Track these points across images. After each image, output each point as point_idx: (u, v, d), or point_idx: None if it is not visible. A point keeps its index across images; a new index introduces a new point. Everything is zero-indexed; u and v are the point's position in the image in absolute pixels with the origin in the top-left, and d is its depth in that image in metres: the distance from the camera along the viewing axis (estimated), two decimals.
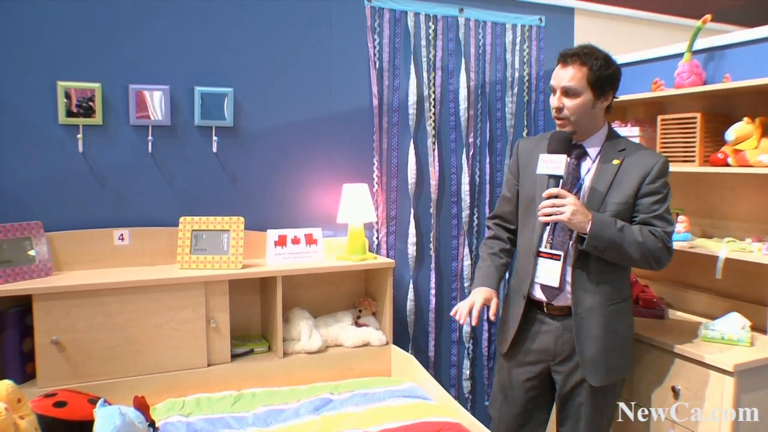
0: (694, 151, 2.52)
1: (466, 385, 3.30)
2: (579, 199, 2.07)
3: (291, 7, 2.80)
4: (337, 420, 2.21)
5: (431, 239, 3.15)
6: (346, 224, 2.86)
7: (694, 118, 2.52)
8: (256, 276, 2.58)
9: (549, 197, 2.00)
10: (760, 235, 2.46)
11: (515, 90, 3.25)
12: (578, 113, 2.07)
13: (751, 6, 4.08)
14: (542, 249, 2.14)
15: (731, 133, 2.37)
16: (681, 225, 2.63)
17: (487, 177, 3.24)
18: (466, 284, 3.22)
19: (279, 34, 2.79)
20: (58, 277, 2.36)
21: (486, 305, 2.18)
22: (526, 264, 2.20)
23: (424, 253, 3.15)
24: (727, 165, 2.41)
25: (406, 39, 3.03)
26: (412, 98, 3.03)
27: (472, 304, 2.14)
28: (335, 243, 2.90)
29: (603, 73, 2.06)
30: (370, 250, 3.00)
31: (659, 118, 2.66)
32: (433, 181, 3.12)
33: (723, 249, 2.40)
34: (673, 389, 2.35)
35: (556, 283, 2.10)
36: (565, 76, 2.06)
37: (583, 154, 2.15)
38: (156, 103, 2.57)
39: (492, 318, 2.30)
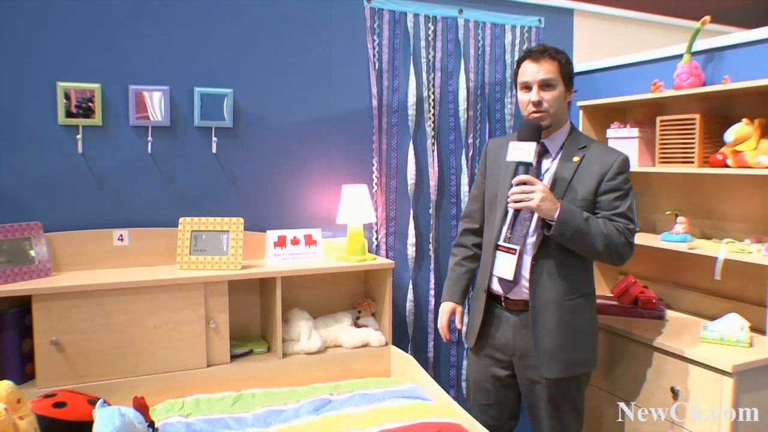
0: (693, 153, 2.52)
1: (465, 386, 3.30)
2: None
3: (290, 8, 2.80)
4: (337, 420, 2.21)
5: (430, 240, 3.15)
6: (345, 225, 2.87)
7: (693, 119, 2.52)
8: (255, 277, 2.58)
9: (519, 184, 2.03)
10: (759, 236, 2.46)
11: (514, 91, 3.25)
12: (555, 105, 2.14)
13: (750, 7, 4.09)
14: (500, 243, 2.19)
15: (730, 134, 2.37)
16: (680, 226, 2.63)
17: None
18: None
19: (278, 35, 2.79)
20: (58, 278, 2.36)
21: (453, 316, 2.40)
22: (487, 257, 2.27)
23: (423, 254, 3.16)
24: (726, 166, 2.41)
25: (405, 40, 3.03)
26: (412, 99, 3.03)
27: (442, 325, 2.39)
28: (335, 244, 2.90)
29: (569, 68, 2.18)
30: (370, 251, 3.00)
31: (658, 119, 2.67)
32: (433, 182, 3.12)
33: (722, 250, 2.40)
34: (672, 390, 2.36)
35: (510, 276, 2.14)
36: (542, 69, 2.13)
37: (545, 151, 2.20)
38: (156, 103, 2.57)
39: (458, 326, 2.41)
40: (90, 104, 2.47)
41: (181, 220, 2.58)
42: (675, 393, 2.35)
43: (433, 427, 2.12)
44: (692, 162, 2.53)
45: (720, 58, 2.65)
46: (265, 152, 2.81)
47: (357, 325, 2.84)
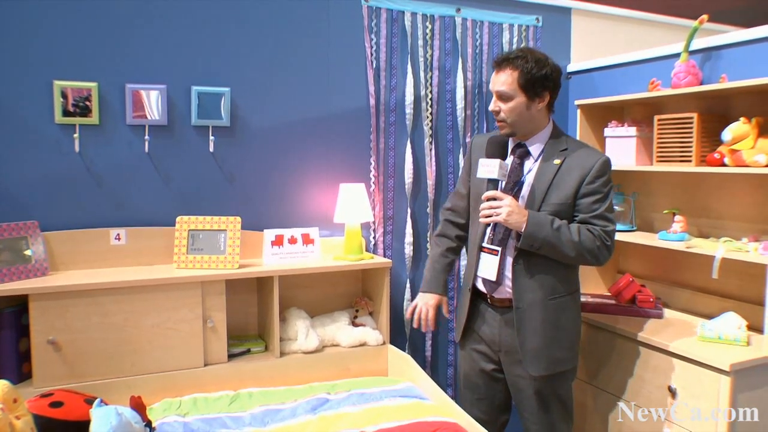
0: (690, 151, 2.52)
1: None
2: (520, 197, 2.17)
3: (288, 6, 2.79)
4: (334, 420, 2.21)
5: (428, 239, 3.15)
6: (343, 224, 2.86)
7: (691, 118, 2.52)
8: (252, 276, 2.58)
9: (488, 199, 2.12)
10: (756, 235, 2.47)
11: None
12: (513, 116, 2.16)
13: (748, 6, 4.09)
14: (484, 244, 2.24)
15: (728, 133, 2.37)
16: (678, 225, 2.63)
17: None
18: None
19: (276, 34, 2.79)
20: (55, 277, 2.35)
21: (439, 306, 2.40)
22: (472, 257, 2.32)
23: (421, 253, 3.15)
24: (724, 165, 2.41)
25: (403, 39, 3.03)
26: (409, 98, 3.03)
27: (426, 313, 2.35)
28: (332, 243, 2.90)
29: (535, 75, 2.12)
30: (367, 250, 3.00)
31: (656, 118, 2.67)
32: (430, 181, 3.12)
33: (719, 249, 2.40)
34: (670, 389, 2.36)
35: (493, 277, 2.20)
36: (498, 81, 2.15)
37: (526, 154, 2.23)
38: (153, 102, 2.56)
39: (446, 315, 2.45)
40: (87, 103, 2.46)
41: (178, 219, 2.57)
42: (672, 392, 2.35)
43: (431, 426, 2.12)
44: (690, 161, 2.53)
45: (717, 57, 2.66)
46: (263, 151, 2.81)
47: (354, 324, 2.84)
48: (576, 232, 2.10)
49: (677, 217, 2.65)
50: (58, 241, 2.45)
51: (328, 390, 2.47)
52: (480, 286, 2.30)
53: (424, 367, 3.07)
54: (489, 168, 2.12)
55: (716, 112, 2.61)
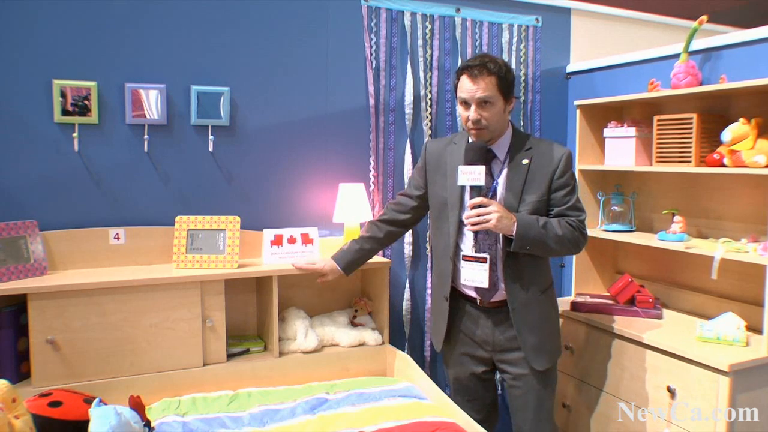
0: (690, 152, 2.52)
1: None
2: (497, 201, 2.19)
3: (287, 6, 2.79)
4: (333, 420, 2.20)
5: (427, 239, 3.15)
6: (342, 224, 2.86)
7: (691, 118, 2.52)
8: (252, 275, 2.58)
9: (474, 207, 2.11)
10: (755, 236, 2.47)
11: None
12: (494, 121, 2.17)
13: (747, 7, 4.10)
14: (467, 253, 2.22)
15: (727, 134, 2.37)
16: (677, 225, 2.63)
17: None
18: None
19: (275, 34, 2.78)
20: (53, 277, 2.35)
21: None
22: (444, 267, 2.33)
23: (420, 253, 3.15)
24: (723, 165, 2.41)
25: (402, 38, 3.03)
26: (409, 98, 3.03)
27: (315, 272, 2.47)
28: (331, 242, 2.90)
29: (508, 78, 2.16)
30: None
31: (655, 118, 2.67)
32: None
33: (719, 249, 2.40)
34: (669, 389, 2.36)
35: (485, 284, 2.19)
36: (479, 88, 2.13)
37: (493, 157, 2.25)
38: (152, 101, 2.56)
39: (319, 282, 2.50)
40: (86, 102, 2.46)
41: (177, 218, 2.57)
42: (671, 392, 2.35)
43: (430, 426, 2.12)
44: (689, 161, 2.53)
45: (717, 57, 2.66)
46: (262, 151, 2.81)
47: (353, 324, 2.83)
48: (558, 226, 2.16)
49: (676, 218, 2.65)
50: (57, 240, 2.45)
51: (327, 390, 2.47)
52: (468, 292, 2.31)
53: (423, 367, 3.07)
54: (473, 175, 2.12)
55: (716, 112, 2.61)
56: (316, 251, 2.74)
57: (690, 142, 2.52)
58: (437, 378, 3.22)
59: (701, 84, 2.65)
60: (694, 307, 2.78)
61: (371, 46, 2.96)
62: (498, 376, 2.57)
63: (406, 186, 2.53)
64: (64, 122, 2.45)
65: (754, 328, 2.43)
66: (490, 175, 2.23)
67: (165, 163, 2.64)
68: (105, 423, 1.79)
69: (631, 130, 2.82)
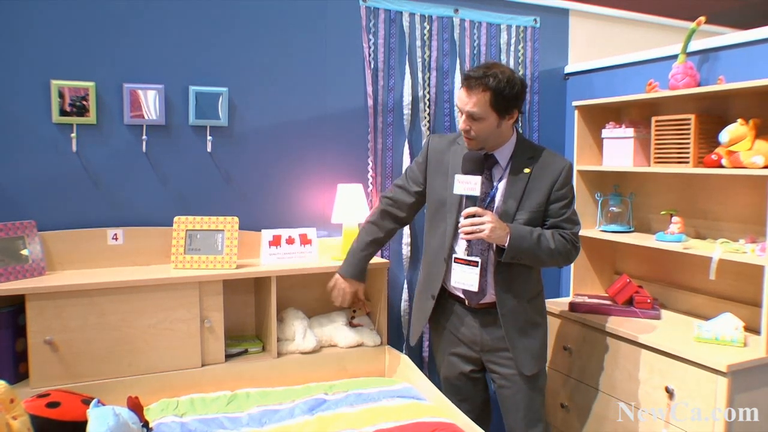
0: (688, 153, 2.53)
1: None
2: (494, 208, 2.21)
3: (286, 6, 2.79)
4: (332, 420, 2.20)
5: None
6: (340, 224, 2.86)
7: (689, 119, 2.52)
8: (250, 276, 2.58)
9: (468, 216, 2.11)
10: (753, 236, 2.47)
11: None
12: (483, 135, 2.17)
13: (745, 8, 4.10)
14: (459, 256, 2.24)
15: (725, 135, 2.37)
16: (675, 226, 2.64)
17: None
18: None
19: (274, 34, 2.78)
20: (52, 277, 2.35)
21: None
22: (436, 267, 2.34)
23: (418, 254, 3.15)
24: (721, 166, 2.42)
25: (401, 39, 3.03)
26: (407, 98, 3.03)
27: (344, 297, 2.47)
28: (330, 243, 2.90)
29: (506, 95, 2.11)
30: None
31: (653, 119, 2.67)
32: None
33: (717, 250, 2.41)
34: (667, 389, 2.36)
35: (475, 288, 2.21)
36: (470, 102, 2.12)
37: (495, 163, 2.26)
38: (150, 102, 2.56)
39: (361, 298, 2.58)
40: (84, 102, 2.46)
41: (175, 219, 2.57)
42: (669, 392, 2.35)
43: (429, 426, 2.12)
44: (687, 162, 2.54)
45: (715, 58, 2.66)
46: (260, 151, 2.80)
47: (352, 325, 2.83)
48: (551, 239, 2.18)
49: (675, 218, 2.65)
50: (55, 240, 2.45)
51: (325, 390, 2.47)
52: (457, 292, 2.32)
53: (421, 368, 3.07)
54: (470, 185, 2.14)
55: (714, 113, 2.62)
56: (314, 252, 2.74)
57: (688, 143, 2.53)
58: (435, 379, 3.21)
59: (699, 85, 2.66)
60: (692, 307, 2.78)
61: (369, 47, 2.96)
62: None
63: (402, 176, 2.48)
64: (62, 122, 2.45)
65: (752, 329, 2.44)
66: (490, 181, 2.24)
67: (163, 164, 2.64)
68: (103, 423, 1.79)
69: (630, 131, 2.82)
